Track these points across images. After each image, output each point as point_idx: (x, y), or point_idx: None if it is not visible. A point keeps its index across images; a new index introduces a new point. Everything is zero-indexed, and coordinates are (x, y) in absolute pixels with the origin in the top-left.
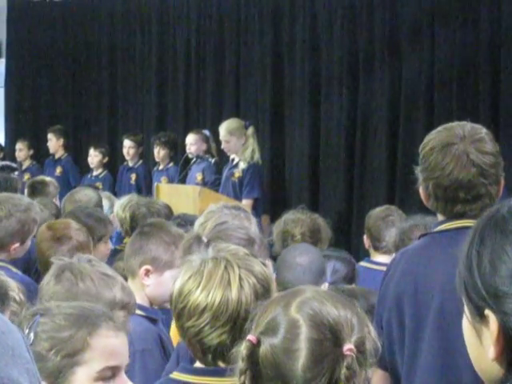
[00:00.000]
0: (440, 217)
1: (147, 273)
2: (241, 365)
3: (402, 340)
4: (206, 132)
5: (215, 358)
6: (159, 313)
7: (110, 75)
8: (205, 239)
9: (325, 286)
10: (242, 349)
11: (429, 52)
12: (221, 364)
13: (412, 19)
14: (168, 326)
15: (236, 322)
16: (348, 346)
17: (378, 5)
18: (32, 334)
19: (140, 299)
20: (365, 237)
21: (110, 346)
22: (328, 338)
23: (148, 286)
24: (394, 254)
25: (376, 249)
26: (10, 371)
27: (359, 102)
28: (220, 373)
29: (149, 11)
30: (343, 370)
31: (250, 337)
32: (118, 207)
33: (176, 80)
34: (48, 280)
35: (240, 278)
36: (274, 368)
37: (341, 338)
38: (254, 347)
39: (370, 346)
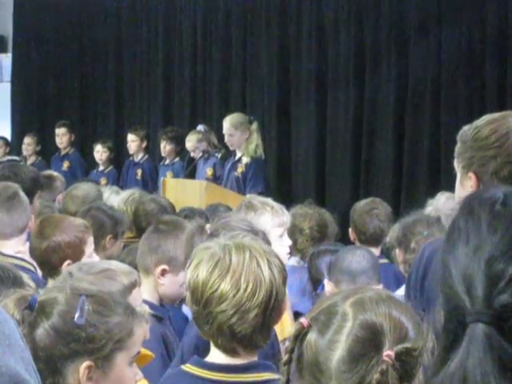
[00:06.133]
0: None
1: (163, 272)
2: (287, 344)
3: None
4: (201, 128)
5: (239, 344)
6: (167, 311)
7: (117, 69)
8: (208, 231)
9: (380, 287)
10: (292, 329)
11: (435, 45)
12: (240, 349)
13: (419, 12)
14: (174, 323)
15: (268, 304)
16: (387, 353)
17: None
18: (83, 315)
19: (149, 296)
20: (350, 230)
21: (141, 334)
22: (370, 338)
23: (162, 285)
24: (397, 249)
25: (361, 242)
26: (8, 360)
27: (366, 95)
28: (232, 369)
29: (155, 5)
30: (376, 375)
31: (303, 320)
32: (119, 201)
33: (182, 74)
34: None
35: (268, 261)
36: (314, 353)
37: (383, 343)
38: (304, 330)
39: (423, 360)
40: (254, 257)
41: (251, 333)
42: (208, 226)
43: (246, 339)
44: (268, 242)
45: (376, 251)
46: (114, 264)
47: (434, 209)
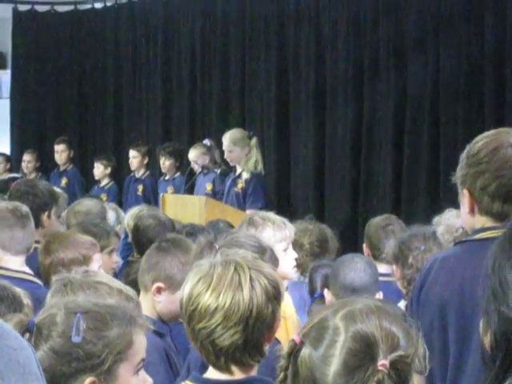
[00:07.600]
0: (486, 222)
1: (159, 290)
2: (282, 362)
3: (443, 348)
4: (207, 142)
5: (228, 360)
6: (168, 328)
7: (116, 86)
8: (217, 247)
9: (380, 295)
10: (285, 347)
11: (434, 60)
12: (233, 367)
13: (417, 27)
14: (179, 339)
15: (248, 322)
16: (382, 362)
17: (383, 13)
18: (79, 333)
19: (150, 313)
20: (364, 245)
21: (142, 341)
22: (364, 350)
23: (159, 303)
24: (394, 266)
25: (376, 258)
26: None
27: (364, 111)
28: None
29: (154, 22)
30: None
31: (295, 337)
32: (128, 217)
33: (181, 91)
34: (50, 295)
35: (251, 279)
36: (309, 369)
37: (377, 353)
38: (297, 347)
39: (415, 366)
40: (236, 275)
41: (234, 351)
42: (217, 242)
43: (231, 357)
44: (275, 259)
45: (389, 268)
46: (118, 284)
47: (445, 227)
